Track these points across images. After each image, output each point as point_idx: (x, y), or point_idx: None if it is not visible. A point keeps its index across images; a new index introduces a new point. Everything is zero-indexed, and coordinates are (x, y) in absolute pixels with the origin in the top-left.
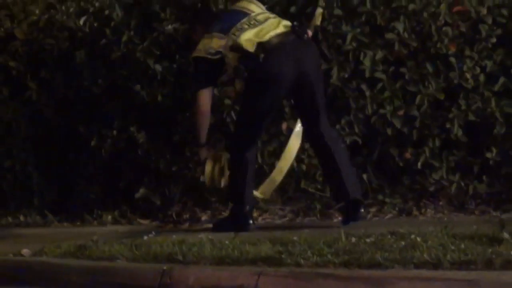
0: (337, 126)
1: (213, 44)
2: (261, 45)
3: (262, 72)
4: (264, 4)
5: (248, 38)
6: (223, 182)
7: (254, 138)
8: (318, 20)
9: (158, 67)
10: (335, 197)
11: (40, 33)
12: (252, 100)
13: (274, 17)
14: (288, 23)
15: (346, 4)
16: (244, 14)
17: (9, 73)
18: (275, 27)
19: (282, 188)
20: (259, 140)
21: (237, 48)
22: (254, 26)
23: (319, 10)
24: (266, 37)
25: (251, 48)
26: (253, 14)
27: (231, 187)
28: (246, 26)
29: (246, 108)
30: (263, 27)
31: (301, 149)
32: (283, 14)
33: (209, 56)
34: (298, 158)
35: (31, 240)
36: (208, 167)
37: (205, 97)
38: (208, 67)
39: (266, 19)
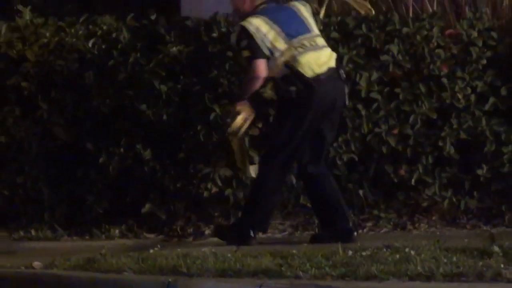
0: (335, 144)
1: (270, 37)
2: (317, 74)
3: (310, 100)
4: None
5: (308, 61)
6: (242, 132)
7: (289, 160)
8: None
9: (163, 88)
10: (334, 225)
11: (50, 55)
12: (293, 122)
13: (326, 46)
14: (334, 58)
15: (343, 28)
16: (304, 23)
17: (21, 93)
18: (328, 58)
19: (281, 203)
20: (292, 165)
21: (292, 66)
22: (314, 49)
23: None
24: (323, 68)
25: (308, 73)
26: (314, 34)
27: (251, 200)
28: (307, 45)
29: (285, 129)
30: (321, 54)
31: None
32: None
33: (261, 48)
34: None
35: (42, 253)
36: (239, 119)
37: (262, 65)
38: (252, 45)
39: (323, 46)
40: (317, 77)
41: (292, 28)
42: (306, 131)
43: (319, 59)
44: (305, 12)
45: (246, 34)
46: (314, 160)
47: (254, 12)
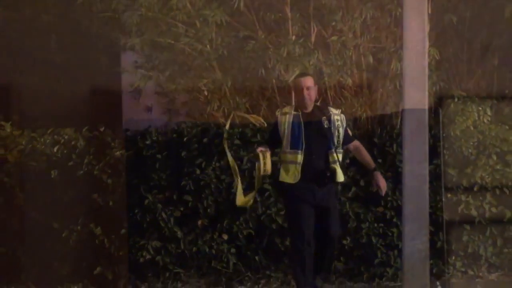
0: (237, 222)
1: None
2: None
3: None
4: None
5: None
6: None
7: None
8: (226, 147)
9: (109, 181)
10: None
11: (26, 158)
12: None
13: None
14: None
15: (243, 136)
16: None
17: (3, 186)
18: None
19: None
20: None
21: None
22: None
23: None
24: None
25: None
26: None
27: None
28: None
29: None
30: None
31: None
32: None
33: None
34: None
35: None
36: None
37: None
38: None
39: None
40: None
41: None
42: None
43: None
44: None
45: None
46: None
47: None
